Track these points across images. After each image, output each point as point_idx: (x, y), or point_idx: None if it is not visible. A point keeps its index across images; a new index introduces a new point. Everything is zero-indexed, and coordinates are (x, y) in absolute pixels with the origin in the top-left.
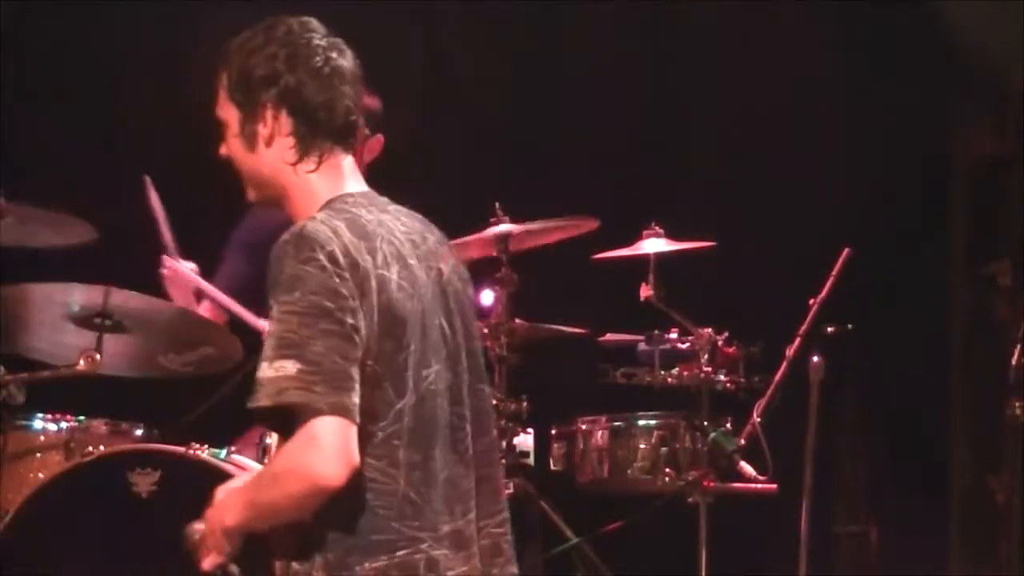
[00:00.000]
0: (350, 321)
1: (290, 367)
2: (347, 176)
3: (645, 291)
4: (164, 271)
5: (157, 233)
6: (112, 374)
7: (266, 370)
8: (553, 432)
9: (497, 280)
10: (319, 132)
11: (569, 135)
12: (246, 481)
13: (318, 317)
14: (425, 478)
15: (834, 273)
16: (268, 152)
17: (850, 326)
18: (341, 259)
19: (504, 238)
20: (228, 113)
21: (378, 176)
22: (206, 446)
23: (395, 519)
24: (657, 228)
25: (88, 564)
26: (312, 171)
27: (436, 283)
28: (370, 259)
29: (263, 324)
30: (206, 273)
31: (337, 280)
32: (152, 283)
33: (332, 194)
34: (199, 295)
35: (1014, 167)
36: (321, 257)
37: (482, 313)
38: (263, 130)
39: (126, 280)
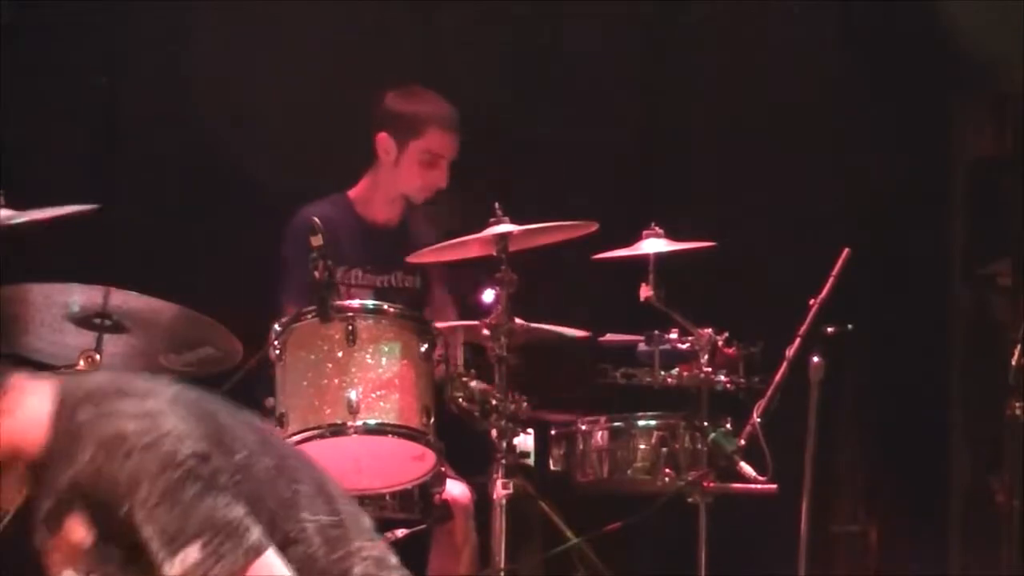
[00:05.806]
0: None
1: None
2: None
3: (645, 291)
4: None
5: None
6: None
7: None
8: (553, 432)
9: (497, 280)
10: None
11: (569, 135)
12: None
13: None
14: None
15: (834, 273)
16: None
17: (850, 326)
18: None
19: (504, 238)
20: None
21: None
22: None
23: None
24: (657, 228)
25: None
26: None
27: None
28: None
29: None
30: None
31: None
32: (152, 283)
33: None
34: None
35: (1014, 167)
36: None
37: (482, 313)
38: None
39: (126, 280)
